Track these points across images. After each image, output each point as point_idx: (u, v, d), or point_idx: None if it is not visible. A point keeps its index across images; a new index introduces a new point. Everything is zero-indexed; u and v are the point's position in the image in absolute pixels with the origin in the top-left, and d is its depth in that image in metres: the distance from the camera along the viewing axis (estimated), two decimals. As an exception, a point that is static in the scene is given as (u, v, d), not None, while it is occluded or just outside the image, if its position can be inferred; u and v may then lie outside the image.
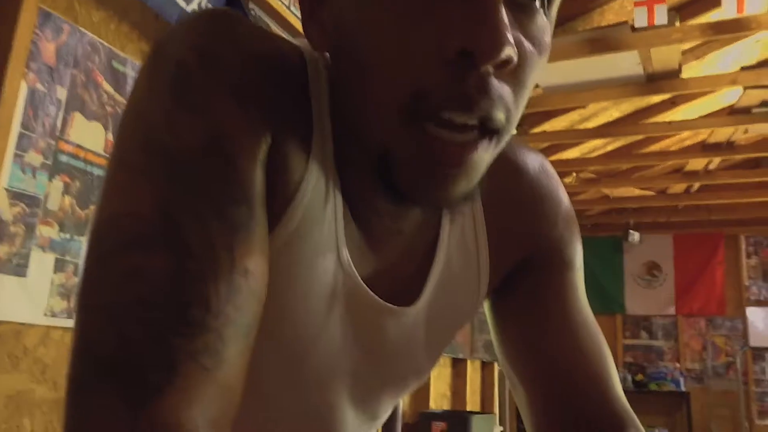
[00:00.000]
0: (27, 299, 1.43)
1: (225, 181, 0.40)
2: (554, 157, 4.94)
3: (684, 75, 3.62)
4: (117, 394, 0.33)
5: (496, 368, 5.16)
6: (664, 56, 3.31)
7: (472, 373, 4.98)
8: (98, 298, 0.36)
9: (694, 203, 5.81)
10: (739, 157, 4.89)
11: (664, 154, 4.88)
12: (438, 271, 0.56)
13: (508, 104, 0.41)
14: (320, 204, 0.48)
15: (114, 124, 1.64)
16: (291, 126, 0.46)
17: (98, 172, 1.60)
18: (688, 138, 4.77)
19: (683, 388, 6.09)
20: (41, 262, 1.46)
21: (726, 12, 2.67)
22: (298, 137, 0.47)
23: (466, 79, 0.39)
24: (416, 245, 0.56)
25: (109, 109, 1.65)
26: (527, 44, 0.42)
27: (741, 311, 6.29)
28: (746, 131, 4.24)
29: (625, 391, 0.59)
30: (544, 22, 0.43)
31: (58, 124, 1.52)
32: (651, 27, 2.80)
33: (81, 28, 1.58)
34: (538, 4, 0.42)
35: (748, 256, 6.40)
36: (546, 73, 3.56)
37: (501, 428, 4.78)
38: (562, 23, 3.50)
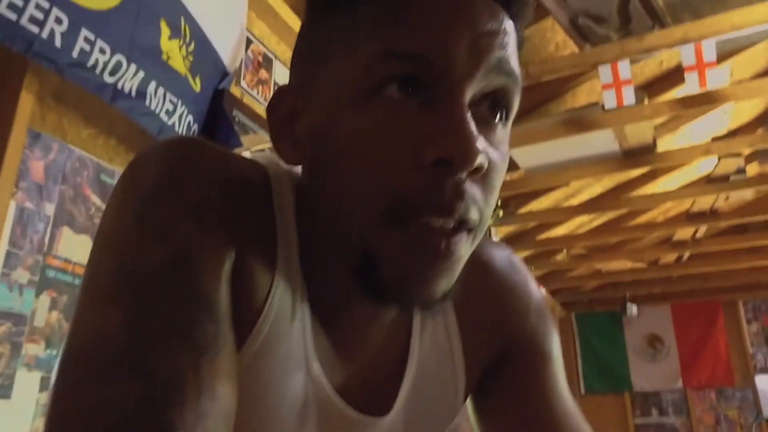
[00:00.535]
0: (11, 422, 1.37)
1: (190, 304, 0.40)
2: (543, 236, 4.99)
3: (660, 148, 3.74)
4: None
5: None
6: (637, 132, 3.43)
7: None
8: (67, 430, 0.36)
9: (688, 272, 5.82)
10: (724, 224, 4.96)
11: (650, 226, 4.94)
12: (411, 376, 0.56)
13: (480, 205, 0.44)
14: (287, 318, 0.48)
15: (102, 235, 1.65)
16: (254, 242, 0.47)
17: (86, 284, 1.59)
18: (672, 208, 4.85)
19: (703, 466, 5.84)
20: (27, 382, 1.42)
21: (689, 88, 2.79)
22: (263, 253, 0.48)
23: (443, 185, 0.41)
24: (388, 350, 0.55)
25: (97, 221, 1.66)
26: (492, 152, 0.45)
27: (749, 380, 6.14)
28: (727, 198, 4.32)
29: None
30: (504, 133, 0.47)
31: (46, 239, 1.52)
32: (621, 107, 2.91)
33: (70, 145, 1.62)
34: (497, 118, 0.46)
35: (749, 322, 6.33)
36: (525, 154, 3.67)
37: None
38: (536, 107, 3.65)
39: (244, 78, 2.22)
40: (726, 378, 6.15)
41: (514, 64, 0.45)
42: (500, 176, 0.46)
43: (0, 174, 1.36)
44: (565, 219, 4.76)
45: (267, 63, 2.39)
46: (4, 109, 1.42)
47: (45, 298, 1.50)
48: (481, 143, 0.42)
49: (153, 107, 1.57)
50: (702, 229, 4.90)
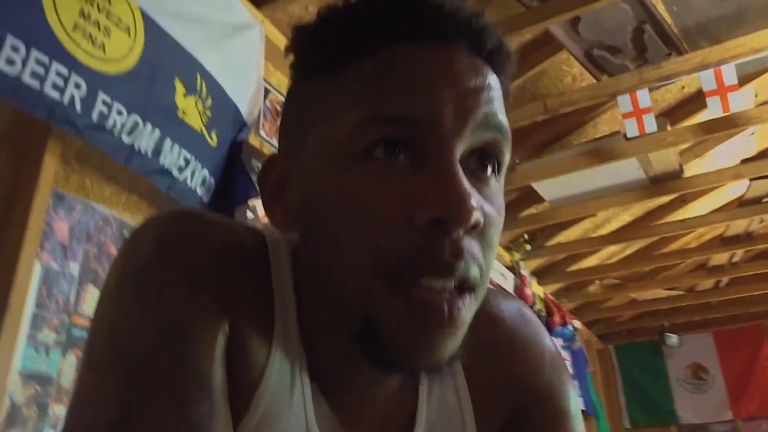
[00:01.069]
0: (39, 485, 1.37)
1: (182, 381, 0.40)
2: (573, 267, 4.91)
3: (687, 173, 3.67)
4: None
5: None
6: (662, 159, 3.38)
7: None
8: None
9: (728, 298, 5.63)
10: (762, 246, 4.81)
11: (684, 252, 4.82)
12: None
13: (480, 261, 0.43)
14: (286, 390, 0.47)
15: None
16: (250, 313, 0.47)
17: (112, 341, 1.60)
18: (705, 233, 4.73)
19: (760, 502, 5.54)
20: (54, 444, 1.42)
21: (712, 112, 2.75)
22: (259, 323, 0.47)
23: (440, 245, 0.40)
24: (394, 417, 0.53)
25: (121, 277, 1.68)
26: (487, 206, 0.44)
27: (802, 407, 5.86)
28: (762, 221, 4.20)
29: None
30: (497, 186, 0.46)
31: (72, 298, 1.54)
32: (643, 135, 2.87)
33: (93, 204, 1.65)
34: (490, 171, 0.45)
35: (797, 345, 6.07)
36: (550, 187, 3.63)
37: None
38: (558, 139, 3.63)
39: (262, 127, 2.26)
40: (778, 407, 5.87)
41: (502, 117, 0.45)
42: (498, 230, 0.45)
43: (24, 237, 1.39)
44: (595, 249, 4.67)
45: (285, 112, 2.43)
46: (28, 172, 1.46)
47: (71, 358, 1.51)
48: (475, 199, 0.41)
49: (165, 165, 1.60)
50: (739, 253, 4.76)
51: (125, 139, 1.49)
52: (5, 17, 1.21)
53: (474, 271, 0.42)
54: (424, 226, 0.40)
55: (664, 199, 4.12)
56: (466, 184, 0.40)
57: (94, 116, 1.38)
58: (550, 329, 4.56)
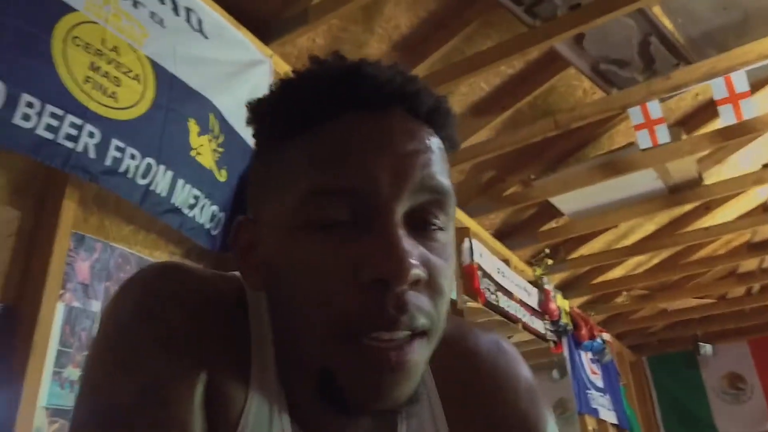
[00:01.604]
0: None
1: (159, 430, 0.44)
2: (599, 279, 4.86)
3: (708, 180, 3.63)
4: None
5: None
6: (680, 168, 3.35)
7: None
8: None
9: (761, 304, 5.50)
10: (793, 250, 4.70)
11: (711, 260, 4.73)
12: None
13: (427, 311, 0.46)
14: (264, 430, 0.50)
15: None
16: (227, 361, 0.50)
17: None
18: (732, 240, 4.65)
19: None
20: (80, 476, 1.48)
21: (725, 120, 2.73)
22: (236, 370, 0.51)
23: (383, 302, 0.43)
24: None
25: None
26: (434, 258, 0.47)
27: None
28: (790, 224, 4.11)
29: None
30: (445, 237, 0.49)
31: (94, 335, 1.61)
32: (656, 146, 2.86)
33: (112, 243, 1.73)
34: (435, 225, 0.48)
35: (837, 350, 5.87)
36: (567, 200, 3.62)
37: None
38: (572, 153, 3.62)
39: (275, 159, 2.32)
40: (821, 415, 5.68)
41: (439, 178, 0.48)
42: (447, 278, 0.48)
43: (47, 279, 1.46)
44: (620, 260, 4.62)
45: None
46: (49, 216, 1.54)
47: (94, 392, 1.57)
48: (416, 257, 0.44)
49: (176, 203, 1.66)
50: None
51: (140, 181, 1.55)
52: (20, 76, 1.29)
53: (421, 321, 0.45)
54: (368, 285, 0.43)
55: (688, 207, 4.07)
56: (404, 245, 0.43)
57: (108, 162, 1.46)
58: (578, 343, 4.51)
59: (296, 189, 0.47)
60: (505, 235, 3.99)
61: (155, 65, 1.66)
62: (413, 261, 0.43)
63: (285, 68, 2.30)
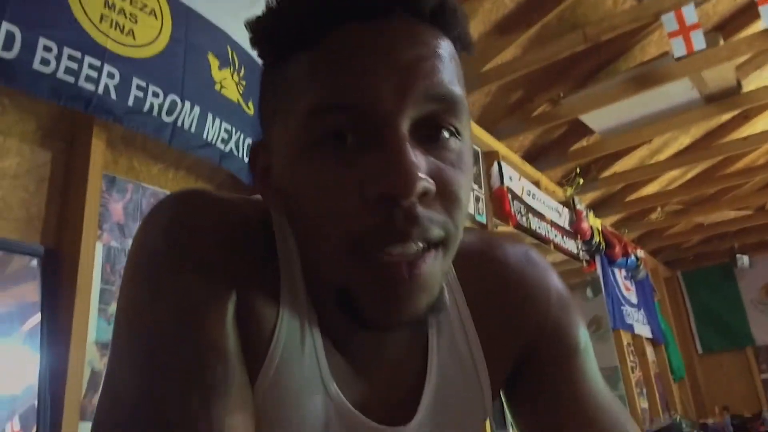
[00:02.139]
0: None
1: (198, 351, 0.45)
2: (633, 197, 4.79)
3: (748, 87, 3.47)
4: None
5: None
6: (717, 76, 3.21)
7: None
8: None
9: (801, 213, 5.37)
10: (837, 155, 4.53)
11: (751, 170, 4.60)
12: (432, 385, 0.57)
13: (441, 222, 0.45)
14: (297, 344, 0.52)
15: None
16: (257, 281, 0.51)
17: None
18: (773, 148, 4.49)
19: None
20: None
21: (766, 22, 2.57)
22: (266, 288, 0.52)
23: (393, 216, 0.43)
24: (407, 363, 0.57)
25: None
26: (446, 167, 0.46)
27: None
28: (834, 129, 3.94)
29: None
30: (458, 145, 0.47)
31: (134, 273, 1.66)
32: (692, 54, 2.73)
33: (143, 183, 1.75)
34: (447, 134, 0.46)
35: None
36: (598, 117, 3.52)
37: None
38: (603, 67, 3.49)
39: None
40: None
41: (448, 85, 0.45)
42: (462, 187, 0.46)
43: (84, 221, 1.50)
44: (654, 176, 4.53)
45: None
46: (79, 161, 1.56)
47: (140, 327, 1.64)
48: (423, 169, 0.43)
49: (210, 139, 1.66)
50: (811, 166, 4.51)
51: (166, 118, 1.56)
52: (36, 20, 1.28)
53: (435, 232, 0.44)
54: (375, 201, 0.42)
55: (725, 117, 3.92)
56: (410, 158, 0.42)
57: (130, 101, 1.45)
58: (612, 261, 4.50)
59: (298, 110, 0.45)
60: (534, 156, 3.92)
61: (169, -1, 1.62)
62: (420, 174, 0.42)
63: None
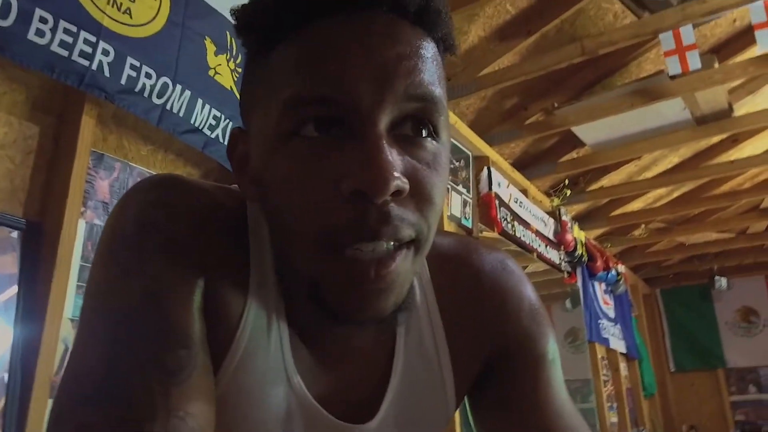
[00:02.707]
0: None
1: (160, 332, 0.45)
2: (618, 211, 4.82)
3: (739, 111, 3.51)
4: None
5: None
6: (710, 98, 3.24)
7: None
8: None
9: (782, 240, 5.45)
10: (820, 186, 4.60)
11: (735, 194, 4.65)
12: (396, 384, 0.58)
13: (412, 221, 0.45)
14: (263, 334, 0.52)
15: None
16: (226, 268, 0.51)
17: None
18: (759, 174, 4.55)
19: (809, 445, 5.49)
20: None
21: (761, 46, 2.60)
22: (235, 277, 0.51)
23: (366, 213, 0.43)
24: (372, 361, 0.58)
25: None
26: (422, 167, 0.46)
27: None
28: (819, 160, 4.00)
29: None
30: (435, 146, 0.47)
31: (115, 252, 1.65)
32: (687, 73, 2.76)
33: (131, 163, 1.74)
34: (425, 134, 0.46)
35: None
36: (590, 130, 3.55)
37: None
38: (599, 80, 3.51)
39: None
40: (832, 351, 5.73)
41: (428, 86, 0.45)
42: (435, 188, 0.46)
43: (68, 196, 1.49)
44: (641, 193, 4.57)
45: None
46: (68, 135, 1.54)
47: (118, 307, 1.63)
48: (399, 168, 0.43)
49: (197, 124, 1.65)
50: (794, 194, 4.57)
51: (156, 100, 1.55)
52: (33, -10, 1.26)
53: (406, 232, 0.44)
54: (349, 197, 0.42)
55: (714, 139, 3.97)
56: (385, 155, 0.42)
57: (123, 80, 1.44)
58: (593, 274, 4.54)
59: (277, 100, 0.45)
60: (524, 164, 3.94)
61: (169, -20, 1.61)
62: (395, 173, 0.42)
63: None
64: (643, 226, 5.09)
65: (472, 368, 0.61)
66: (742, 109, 3.56)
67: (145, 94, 1.50)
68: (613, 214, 4.82)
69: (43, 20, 1.27)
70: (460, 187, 2.97)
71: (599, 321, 4.64)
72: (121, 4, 1.46)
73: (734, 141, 4.07)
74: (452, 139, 2.69)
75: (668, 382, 6.28)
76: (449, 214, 2.82)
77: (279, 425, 0.53)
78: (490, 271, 0.63)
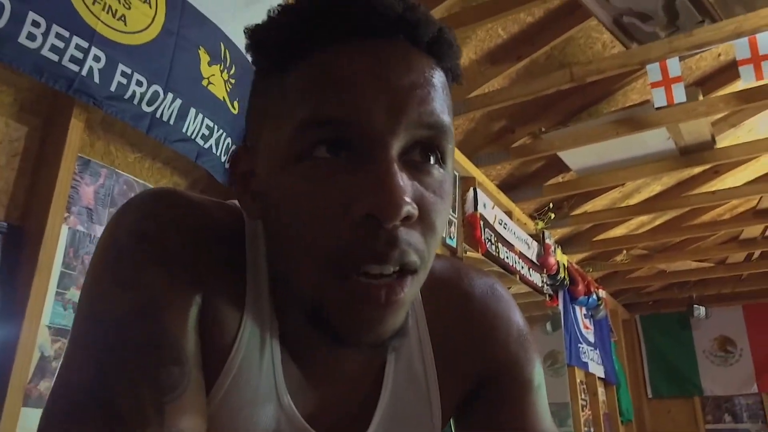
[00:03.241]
0: None
1: (155, 347, 0.45)
2: (601, 236, 4.87)
3: (721, 144, 3.58)
4: None
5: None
6: (693, 129, 3.30)
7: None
8: None
9: (759, 271, 5.53)
10: (797, 219, 4.68)
11: (715, 224, 4.73)
12: (385, 406, 0.58)
13: (418, 248, 0.45)
14: (256, 354, 0.52)
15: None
16: (222, 285, 0.51)
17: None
18: (739, 205, 4.63)
19: (782, 475, 5.53)
20: (81, 394, 1.52)
21: (746, 81, 2.66)
22: (231, 295, 0.51)
23: (376, 237, 0.43)
24: (362, 382, 0.58)
25: (144, 240, 1.76)
26: (428, 194, 0.46)
27: (832, 384, 5.77)
28: (797, 194, 4.09)
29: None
30: (441, 174, 0.48)
31: (97, 259, 1.63)
32: (672, 105, 2.81)
33: (117, 170, 1.73)
34: (432, 161, 0.47)
35: (829, 322, 5.95)
36: (576, 156, 3.59)
37: None
38: (586, 107, 3.57)
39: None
40: (806, 382, 5.80)
41: (439, 114, 0.46)
42: (440, 216, 0.47)
43: (52, 200, 1.47)
44: (624, 219, 4.62)
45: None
46: (55, 139, 1.53)
47: (96, 315, 1.60)
48: (409, 193, 0.43)
49: (189, 133, 1.65)
50: (772, 227, 4.65)
51: (145, 108, 1.54)
52: (27, -7, 1.26)
53: (412, 257, 0.45)
54: (359, 220, 0.43)
55: (696, 170, 4.04)
56: (398, 181, 0.42)
57: (113, 87, 1.44)
58: (574, 298, 4.56)
59: (291, 120, 0.45)
60: (510, 186, 3.97)
61: (165, -11, 1.61)
62: (406, 198, 0.42)
63: None
64: (624, 251, 5.14)
65: (459, 391, 0.62)
66: (724, 141, 3.64)
67: (135, 102, 1.50)
68: (595, 239, 4.87)
69: (35, 24, 1.26)
70: (446, 207, 2.98)
71: (579, 345, 4.66)
72: (116, 10, 1.46)
73: (716, 172, 4.15)
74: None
75: (645, 408, 6.31)
76: (434, 233, 2.82)
77: None
78: (479, 296, 0.63)
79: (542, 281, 4.04)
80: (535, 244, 4.00)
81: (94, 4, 1.40)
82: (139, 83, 1.49)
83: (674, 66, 2.72)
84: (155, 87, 1.54)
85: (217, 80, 1.80)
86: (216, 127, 1.74)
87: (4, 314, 1.36)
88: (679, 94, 2.75)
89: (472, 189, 3.20)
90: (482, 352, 0.62)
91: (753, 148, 3.48)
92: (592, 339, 4.98)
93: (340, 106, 0.44)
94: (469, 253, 3.15)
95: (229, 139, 1.81)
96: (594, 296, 4.78)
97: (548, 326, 4.57)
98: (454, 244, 3.03)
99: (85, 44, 1.36)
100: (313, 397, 0.55)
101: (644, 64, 2.75)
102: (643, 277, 5.84)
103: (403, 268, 0.45)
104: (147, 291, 0.46)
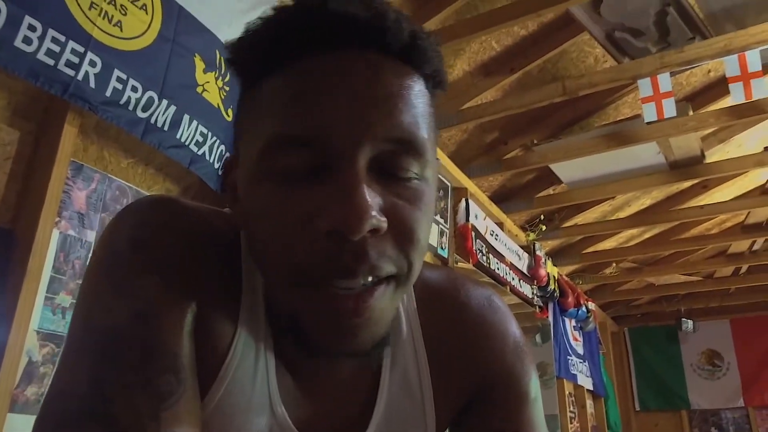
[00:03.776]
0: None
1: (150, 355, 0.44)
2: (590, 249, 4.89)
3: (710, 158, 3.62)
4: None
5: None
6: (683, 144, 3.33)
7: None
8: None
9: (747, 285, 5.57)
10: (784, 234, 4.73)
11: (704, 238, 4.76)
12: (379, 415, 0.57)
13: (393, 257, 0.45)
14: (251, 363, 0.52)
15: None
16: (218, 294, 0.51)
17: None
18: (727, 220, 4.67)
19: (768, 490, 5.55)
20: (69, 400, 1.51)
21: (735, 98, 2.70)
22: (226, 304, 0.51)
23: (341, 251, 0.43)
24: (357, 392, 0.57)
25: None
26: (402, 204, 0.45)
27: (818, 398, 5.81)
28: (785, 210, 4.13)
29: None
30: (417, 184, 0.47)
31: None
32: (662, 120, 2.84)
33: (110, 175, 1.72)
34: (406, 172, 0.46)
35: (816, 336, 5.99)
36: (568, 168, 3.62)
37: None
38: (578, 120, 3.60)
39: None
40: (792, 397, 5.84)
41: (406, 127, 0.45)
42: (418, 223, 0.46)
43: (44, 204, 1.46)
44: (613, 232, 4.65)
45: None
46: (48, 143, 1.52)
47: (86, 320, 1.59)
48: (375, 205, 0.42)
49: (183, 140, 1.65)
50: (759, 241, 4.69)
51: (140, 113, 1.54)
52: (24, -1, 1.26)
53: (386, 268, 0.44)
54: (324, 235, 0.42)
55: (686, 184, 4.07)
56: (361, 194, 0.42)
57: (108, 92, 1.44)
58: (564, 310, 4.58)
59: (261, 135, 0.45)
60: (501, 198, 3.99)
61: (162, -4, 1.62)
62: (372, 211, 0.42)
63: (294, 10, 2.25)
64: (614, 264, 5.17)
65: (454, 402, 0.61)
66: (713, 156, 3.67)
67: (130, 107, 1.50)
68: (585, 251, 4.89)
69: (31, 28, 1.26)
70: (437, 217, 2.99)
71: (568, 357, 4.67)
72: (113, 16, 1.46)
73: (704, 187, 4.19)
74: (432, 169, 2.71)
75: (633, 421, 6.31)
76: (426, 243, 2.83)
77: None
78: (476, 306, 0.63)
79: (532, 293, 4.05)
80: (526, 255, 4.02)
81: (90, 9, 1.40)
82: (134, 89, 1.49)
83: (665, 81, 2.75)
84: (150, 93, 1.54)
85: (211, 87, 1.80)
86: (210, 134, 1.74)
87: (-8, 318, 1.35)
88: (670, 109, 2.78)
89: (464, 200, 3.21)
90: (478, 363, 0.62)
91: (741, 164, 3.51)
92: (581, 351, 4.99)
93: (304, 121, 0.43)
94: (460, 264, 3.16)
95: (222, 147, 1.81)
96: (583, 308, 4.79)
97: (538, 338, 4.58)
98: (445, 254, 3.03)
99: (81, 49, 1.36)
100: (307, 407, 0.55)
101: (635, 78, 2.77)
102: (632, 290, 5.87)
103: (374, 281, 0.45)
104: (142, 298, 0.46)
